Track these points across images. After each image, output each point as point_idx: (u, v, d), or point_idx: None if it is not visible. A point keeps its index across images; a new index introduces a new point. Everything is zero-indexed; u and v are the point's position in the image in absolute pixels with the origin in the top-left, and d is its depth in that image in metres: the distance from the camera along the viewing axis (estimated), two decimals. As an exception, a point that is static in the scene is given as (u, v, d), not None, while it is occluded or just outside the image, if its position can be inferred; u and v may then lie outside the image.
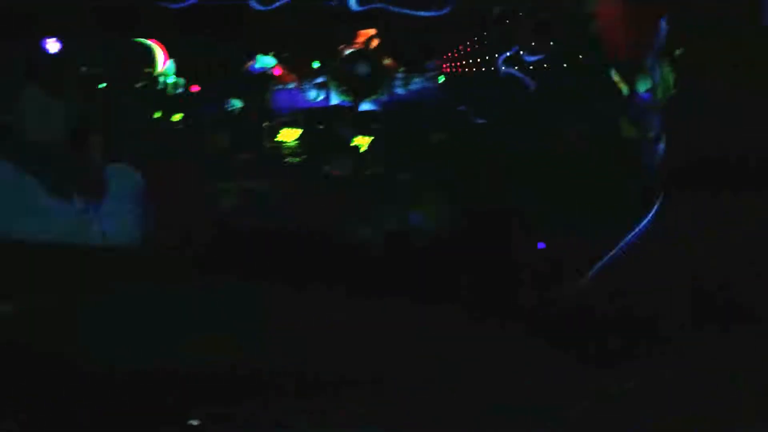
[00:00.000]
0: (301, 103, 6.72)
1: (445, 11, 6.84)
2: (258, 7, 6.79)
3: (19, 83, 5.47)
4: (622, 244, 4.22)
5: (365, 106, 6.32)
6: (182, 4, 6.34)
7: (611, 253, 4.23)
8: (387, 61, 6.66)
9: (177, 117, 6.56)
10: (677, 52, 3.82)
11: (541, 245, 5.36)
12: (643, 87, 4.45)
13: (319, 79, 6.62)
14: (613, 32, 4.69)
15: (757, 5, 3.80)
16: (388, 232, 5.31)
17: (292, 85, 6.88)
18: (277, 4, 6.87)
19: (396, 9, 6.87)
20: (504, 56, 7.30)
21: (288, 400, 3.61)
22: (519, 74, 7.07)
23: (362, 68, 6.52)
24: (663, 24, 4.08)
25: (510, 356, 3.70)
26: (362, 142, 6.23)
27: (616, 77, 4.78)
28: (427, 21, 6.92)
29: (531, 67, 7.22)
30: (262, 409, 3.53)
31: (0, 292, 4.03)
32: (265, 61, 7.46)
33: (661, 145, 3.84)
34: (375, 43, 6.83)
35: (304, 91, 6.48)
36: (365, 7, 6.86)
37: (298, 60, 7.52)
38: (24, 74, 5.63)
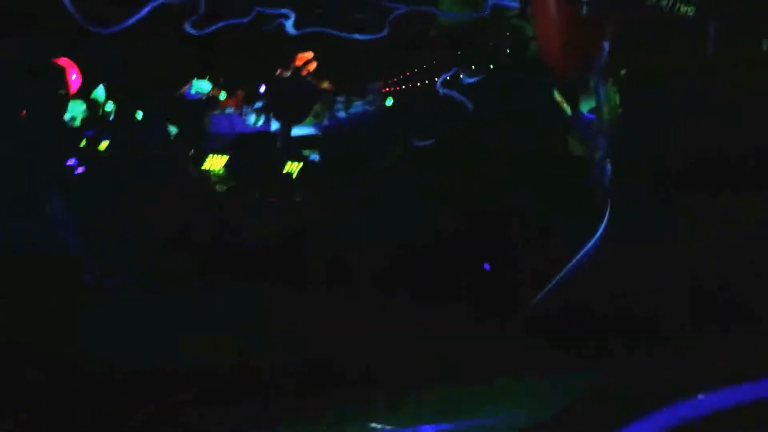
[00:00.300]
0: (239, 128, 6.53)
1: (382, 34, 6.76)
2: (192, 31, 6.60)
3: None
4: (571, 263, 4.19)
5: (304, 131, 6.16)
6: (114, 29, 6.10)
7: (561, 273, 4.20)
8: (325, 85, 6.53)
9: (103, 145, 6.25)
10: (622, 72, 3.81)
11: (486, 266, 5.30)
12: (587, 107, 4.42)
13: (258, 104, 6.44)
14: (556, 53, 4.65)
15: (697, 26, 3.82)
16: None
17: (229, 110, 6.69)
18: (212, 28, 6.70)
19: (333, 32, 6.77)
20: (443, 78, 7.26)
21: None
22: (458, 96, 7.03)
23: (300, 92, 6.36)
24: (606, 45, 4.06)
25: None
26: (294, 168, 6.04)
27: (558, 97, 4.75)
28: (366, 44, 6.84)
29: (471, 89, 7.21)
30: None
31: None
32: (201, 86, 7.25)
33: (609, 166, 3.79)
34: (313, 66, 6.70)
35: (242, 116, 6.28)
36: (302, 31, 6.74)
37: (234, 85, 7.34)
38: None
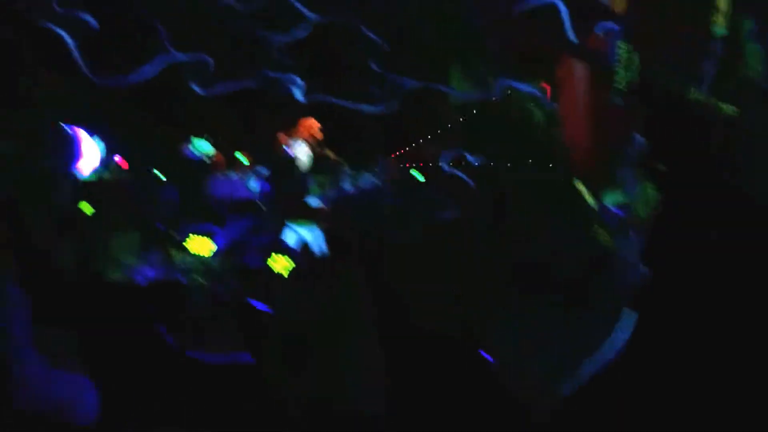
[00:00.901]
0: (240, 193, 6.13)
1: (391, 108, 6.47)
2: (199, 91, 6.29)
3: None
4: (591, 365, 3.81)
5: (311, 201, 5.77)
6: (120, 82, 5.76)
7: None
8: (332, 156, 6.18)
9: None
10: (660, 167, 3.49)
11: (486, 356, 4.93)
12: (612, 201, 4.09)
13: (262, 170, 6.07)
14: (582, 142, 4.35)
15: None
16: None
17: (232, 175, 6.31)
18: (220, 89, 6.39)
19: (341, 102, 6.49)
20: (448, 156, 6.98)
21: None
22: (464, 176, 6.73)
23: (306, 161, 6.00)
24: (638, 137, 3.75)
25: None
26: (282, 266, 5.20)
27: (580, 187, 4.41)
28: (374, 117, 6.56)
29: (476, 170, 6.93)
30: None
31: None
32: (201, 146, 6.91)
33: (643, 268, 3.42)
34: (320, 136, 6.37)
35: (244, 181, 5.88)
36: (310, 99, 6.45)
37: (237, 148, 7.01)
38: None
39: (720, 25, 3.55)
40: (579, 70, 4.35)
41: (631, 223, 3.64)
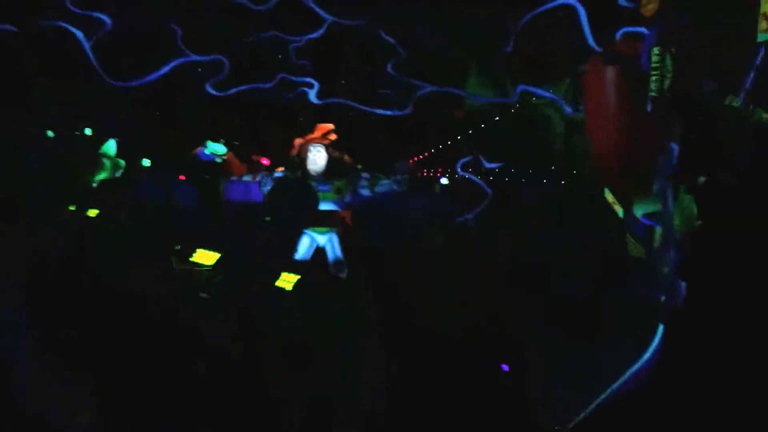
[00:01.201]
0: (254, 196, 5.90)
1: (406, 111, 6.25)
2: (213, 92, 6.09)
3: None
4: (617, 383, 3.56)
5: (325, 206, 5.52)
6: (133, 83, 5.55)
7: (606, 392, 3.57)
8: (349, 161, 5.93)
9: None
10: (700, 179, 3.25)
11: (504, 367, 4.69)
12: (645, 212, 3.85)
13: (277, 174, 5.83)
14: (608, 150, 4.11)
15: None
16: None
17: (246, 177, 6.09)
18: (234, 90, 6.19)
19: (356, 105, 6.28)
20: (463, 161, 6.74)
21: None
22: (477, 180, 6.51)
23: (323, 166, 5.74)
24: (673, 147, 3.50)
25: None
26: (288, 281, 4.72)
27: (609, 198, 4.18)
28: (388, 120, 6.34)
29: (489, 174, 6.72)
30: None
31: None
32: (215, 148, 6.70)
33: (682, 284, 3.18)
34: (333, 138, 6.12)
35: (260, 185, 5.63)
36: (324, 101, 6.24)
37: (252, 150, 6.81)
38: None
39: (763, 30, 3.31)
40: (608, 75, 4.10)
41: (666, 235, 3.39)
